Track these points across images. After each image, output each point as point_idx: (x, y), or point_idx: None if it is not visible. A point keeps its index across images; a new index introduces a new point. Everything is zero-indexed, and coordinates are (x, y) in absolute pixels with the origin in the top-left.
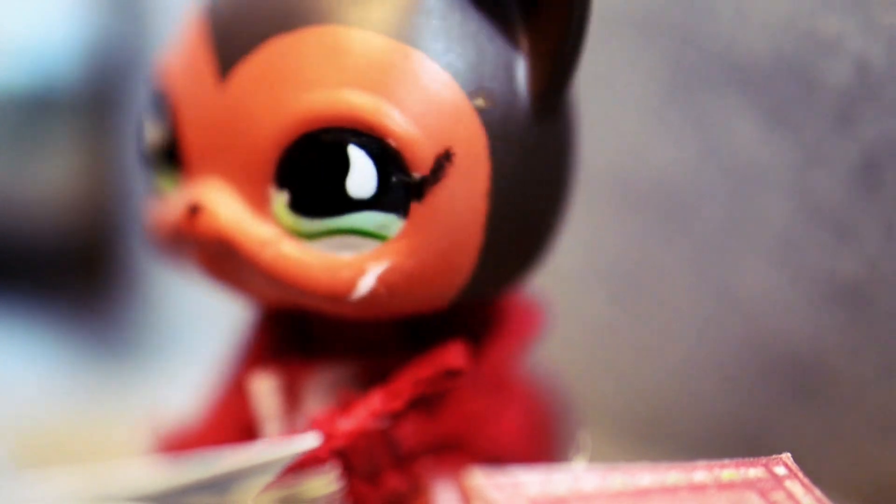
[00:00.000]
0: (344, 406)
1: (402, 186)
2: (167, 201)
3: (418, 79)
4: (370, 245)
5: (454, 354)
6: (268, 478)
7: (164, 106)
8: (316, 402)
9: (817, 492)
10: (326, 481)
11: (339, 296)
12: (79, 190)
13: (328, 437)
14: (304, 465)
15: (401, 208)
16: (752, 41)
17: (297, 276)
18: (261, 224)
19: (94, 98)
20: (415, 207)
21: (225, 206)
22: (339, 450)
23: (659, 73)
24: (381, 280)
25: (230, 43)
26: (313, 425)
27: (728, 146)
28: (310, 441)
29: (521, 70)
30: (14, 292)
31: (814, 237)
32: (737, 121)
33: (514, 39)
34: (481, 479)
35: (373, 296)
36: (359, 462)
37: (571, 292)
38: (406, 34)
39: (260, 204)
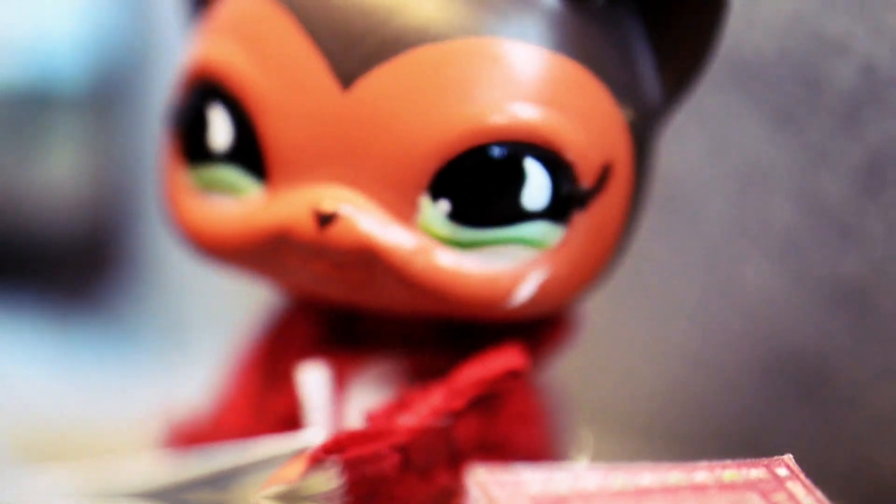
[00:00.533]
0: (401, 402)
1: (570, 197)
2: (240, 203)
3: (583, 91)
4: (529, 253)
5: (516, 356)
6: (269, 473)
7: (231, 103)
8: (363, 395)
9: (819, 493)
10: (327, 477)
11: (497, 304)
12: (83, 186)
13: (389, 432)
14: (363, 459)
15: (565, 218)
16: (758, 41)
17: (453, 285)
18: (405, 232)
19: (98, 94)
20: (576, 217)
21: (365, 214)
22: (400, 445)
23: None
24: (541, 287)
25: (351, 50)
26: (369, 420)
27: (733, 146)
28: (312, 437)
29: (651, 81)
30: (18, 288)
31: (818, 238)
32: (742, 121)
33: (644, 50)
34: (483, 476)
35: (529, 302)
36: (417, 458)
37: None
38: (565, 46)
39: (403, 212)
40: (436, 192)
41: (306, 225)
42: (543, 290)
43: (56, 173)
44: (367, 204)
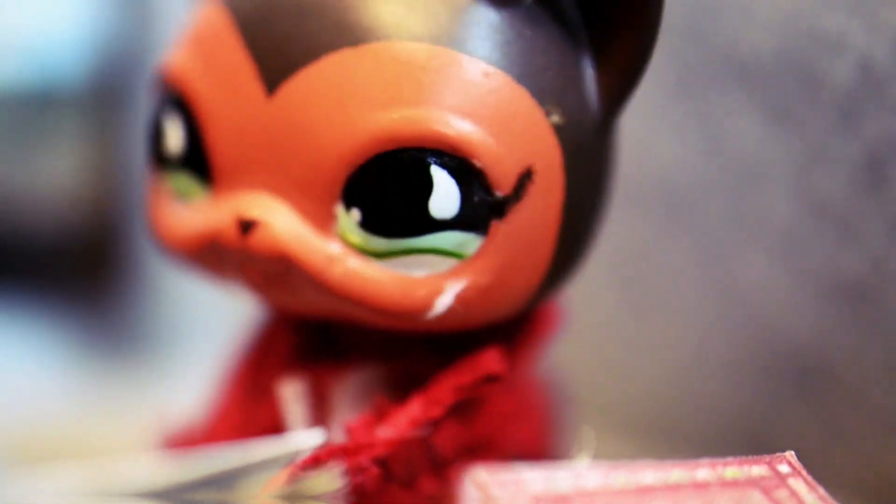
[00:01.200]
0: (379, 413)
1: (484, 206)
2: (192, 209)
3: (499, 96)
4: (446, 263)
5: (492, 360)
6: (271, 474)
7: (184, 110)
8: (345, 407)
9: (821, 490)
10: (330, 478)
11: (415, 314)
12: (84, 187)
13: (368, 445)
14: (346, 473)
15: (481, 227)
16: (756, 39)
17: (370, 295)
18: (323, 241)
19: (99, 95)
20: (495, 225)
21: (283, 222)
22: (380, 458)
23: (663, 70)
24: (459, 298)
25: (277, 54)
26: (349, 432)
27: (732, 144)
28: (313, 438)
29: (589, 83)
30: (19, 289)
31: (817, 235)
32: (741, 118)
33: (581, 53)
34: (484, 476)
35: (448, 313)
36: (398, 470)
37: (575, 289)
38: (482, 51)
39: (321, 221)
40: (348, 200)
41: (230, 232)
42: (464, 301)
43: (56, 174)
44: (288, 212)
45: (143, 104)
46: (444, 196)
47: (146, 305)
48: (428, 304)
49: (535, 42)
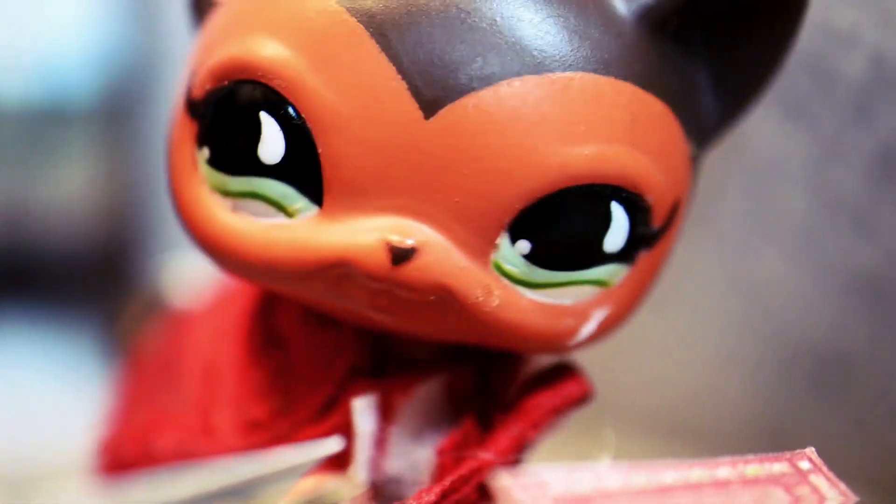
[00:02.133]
0: (465, 433)
1: (642, 238)
2: (288, 224)
3: (665, 130)
4: (593, 291)
5: (581, 380)
6: (292, 482)
7: (288, 117)
8: (410, 420)
9: (842, 486)
10: (352, 485)
11: (560, 342)
12: (96, 202)
13: (477, 470)
14: (449, 498)
15: (634, 258)
16: None
17: (521, 325)
18: (480, 271)
19: (109, 109)
20: (641, 255)
21: (443, 252)
22: (483, 483)
23: None
24: (600, 325)
25: (437, 73)
26: (441, 454)
27: (746, 141)
28: (332, 446)
29: (711, 111)
30: (31, 302)
31: (833, 230)
32: (754, 115)
33: (703, 79)
34: (507, 479)
35: (586, 339)
36: (493, 494)
37: None
38: (651, 82)
39: (478, 250)
40: (516, 231)
41: (377, 259)
42: (603, 328)
43: (68, 188)
44: (443, 240)
45: (154, 119)
46: (618, 231)
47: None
48: (574, 332)
49: (679, 72)
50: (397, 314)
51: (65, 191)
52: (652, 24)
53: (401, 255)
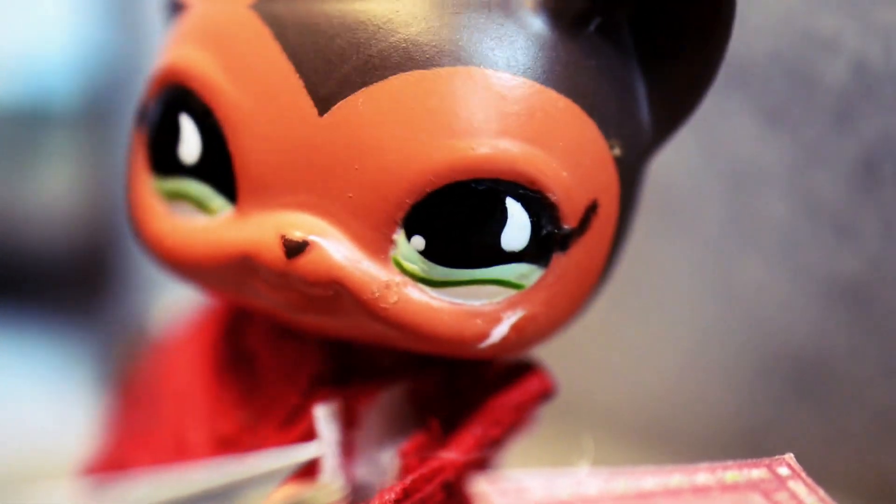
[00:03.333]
0: (431, 435)
1: (551, 239)
2: (208, 222)
3: (573, 129)
4: (504, 294)
5: (544, 379)
6: (273, 487)
7: (201, 114)
8: (374, 426)
9: (821, 492)
10: (332, 490)
11: (470, 344)
12: (77, 203)
13: (440, 469)
14: (419, 502)
15: (545, 259)
16: (750, 41)
17: (425, 325)
18: (378, 267)
19: (91, 111)
20: (556, 258)
21: (336, 246)
22: (448, 482)
23: None
24: (514, 327)
25: (330, 70)
26: (404, 455)
27: (727, 146)
28: (312, 451)
29: (642, 114)
30: (12, 305)
31: (813, 236)
32: (735, 120)
33: (636, 83)
34: (485, 485)
35: (501, 342)
36: (459, 492)
37: None
38: (556, 80)
39: (376, 246)
40: (411, 227)
41: (273, 252)
42: (517, 331)
43: (50, 191)
44: (338, 235)
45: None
46: (517, 228)
47: (141, 322)
48: (484, 334)
49: (599, 72)
50: (312, 313)
51: (46, 193)
52: (564, 23)
53: (294, 249)
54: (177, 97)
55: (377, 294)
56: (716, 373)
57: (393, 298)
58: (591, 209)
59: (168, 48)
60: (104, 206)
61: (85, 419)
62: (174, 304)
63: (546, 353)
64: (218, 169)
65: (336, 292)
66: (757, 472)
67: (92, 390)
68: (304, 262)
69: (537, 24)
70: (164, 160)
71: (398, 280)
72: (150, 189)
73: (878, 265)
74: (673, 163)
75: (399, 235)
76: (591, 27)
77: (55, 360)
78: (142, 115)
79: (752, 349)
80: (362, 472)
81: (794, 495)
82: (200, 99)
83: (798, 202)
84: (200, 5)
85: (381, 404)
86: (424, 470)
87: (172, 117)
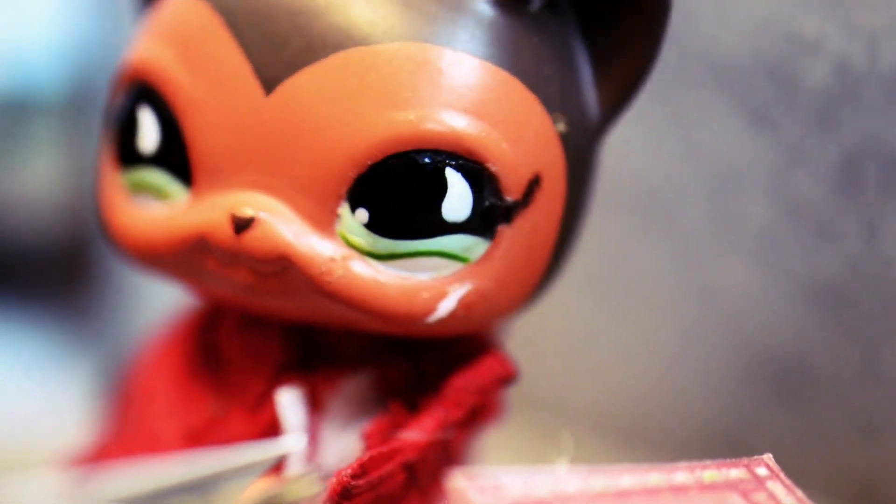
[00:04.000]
0: (394, 418)
1: (494, 210)
2: (165, 208)
3: (513, 103)
4: (451, 267)
5: (504, 363)
6: (251, 480)
7: (158, 105)
8: (339, 412)
9: (799, 492)
10: (309, 482)
11: (417, 318)
12: (60, 193)
13: (399, 450)
14: (380, 479)
15: (489, 232)
16: (732, 42)
17: (372, 298)
18: (324, 241)
19: (75, 101)
20: (501, 230)
21: (282, 221)
22: (409, 463)
23: None
24: (461, 302)
25: (275, 52)
26: (366, 438)
27: (708, 146)
28: (292, 443)
29: (589, 92)
30: None
31: (795, 237)
32: (717, 121)
33: (581, 61)
34: (463, 481)
35: (449, 317)
36: (422, 473)
37: (552, 293)
38: (496, 57)
39: (322, 221)
40: (354, 200)
41: (223, 230)
42: (466, 306)
43: (34, 180)
44: (286, 211)
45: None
46: (458, 199)
47: (124, 312)
48: (431, 308)
49: (543, 50)
50: (267, 294)
51: (30, 183)
52: (506, 2)
53: (241, 225)
54: (137, 92)
55: (323, 268)
56: (696, 372)
57: (339, 272)
58: (535, 182)
59: (131, 46)
60: (87, 196)
61: (68, 410)
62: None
63: (526, 350)
64: (175, 156)
65: (283, 268)
66: (735, 472)
67: (75, 381)
68: (250, 237)
69: (480, 2)
70: (126, 153)
71: (343, 254)
72: (116, 184)
73: (859, 267)
74: (653, 163)
75: (343, 209)
76: (535, 5)
77: (38, 350)
78: (108, 113)
79: (732, 349)
80: (328, 457)
81: (772, 496)
82: (157, 91)
83: (780, 203)
84: (163, 2)
85: (345, 390)
86: (383, 448)
87: (133, 111)
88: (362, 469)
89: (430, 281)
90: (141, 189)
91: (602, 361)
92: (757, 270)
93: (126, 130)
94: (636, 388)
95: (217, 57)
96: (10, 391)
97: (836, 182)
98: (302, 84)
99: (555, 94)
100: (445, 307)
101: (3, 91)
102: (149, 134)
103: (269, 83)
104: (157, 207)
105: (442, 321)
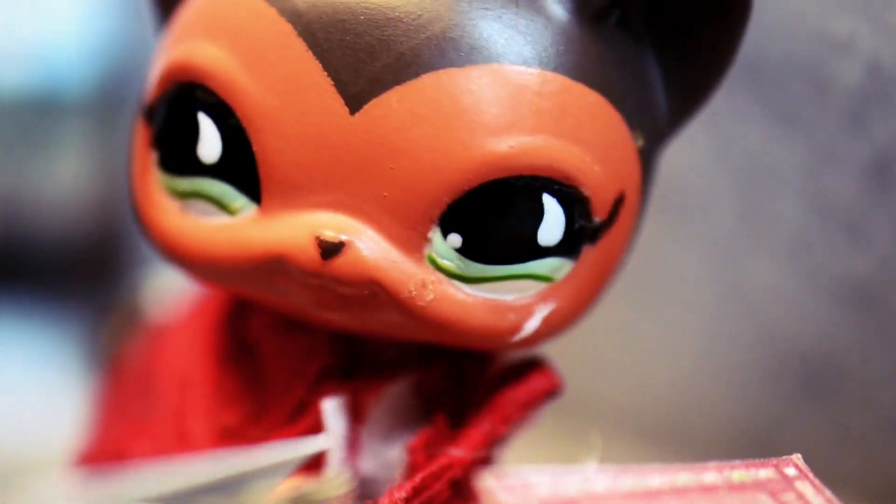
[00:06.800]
0: (437, 431)
1: (583, 232)
2: (231, 221)
3: (602, 122)
4: (537, 287)
5: (551, 376)
6: (279, 479)
7: (220, 112)
8: (380, 419)
9: (828, 492)
10: (339, 482)
11: (504, 338)
12: (89, 192)
13: (448, 466)
14: (431, 498)
15: (576, 252)
16: (764, 41)
17: (461, 321)
18: (413, 266)
19: (103, 100)
20: (586, 250)
21: (372, 246)
22: (456, 479)
23: None
24: (545, 320)
25: (360, 69)
26: (411, 452)
27: (740, 147)
28: (320, 443)
29: (659, 103)
30: (25, 295)
31: (825, 237)
32: (749, 121)
33: (652, 74)
34: (492, 481)
35: (532, 335)
36: (466, 489)
37: None
38: (584, 73)
39: (410, 244)
40: (447, 225)
41: (308, 253)
42: (547, 323)
43: (62, 179)
44: (374, 234)
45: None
46: (553, 224)
47: (132, 303)
48: (517, 328)
49: (621, 64)
50: (341, 311)
51: (58, 181)
52: (587, 16)
53: (330, 250)
54: (190, 94)
55: (414, 293)
56: (725, 372)
57: (429, 296)
58: (619, 201)
59: (174, 41)
60: (115, 195)
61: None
62: (168, 286)
63: (556, 351)
64: (240, 168)
65: (371, 291)
66: (764, 472)
67: (98, 381)
68: (339, 262)
69: (564, 18)
70: (178, 159)
71: (433, 278)
72: (159, 186)
73: (889, 267)
74: (686, 163)
75: (435, 233)
76: (612, 19)
77: (64, 349)
78: (148, 111)
79: (761, 349)
80: (368, 466)
81: (801, 496)
82: (219, 97)
83: (810, 203)
84: None
85: (387, 398)
86: (433, 468)
87: (187, 115)
88: (415, 491)
89: (516, 301)
90: (194, 197)
91: (632, 361)
92: (787, 270)
93: (177, 135)
94: (665, 387)
95: (291, 68)
96: (36, 389)
97: (866, 182)
98: (392, 104)
99: (634, 109)
100: (531, 326)
101: (32, 89)
102: (209, 142)
103: (354, 100)
104: (216, 218)
105: (524, 338)
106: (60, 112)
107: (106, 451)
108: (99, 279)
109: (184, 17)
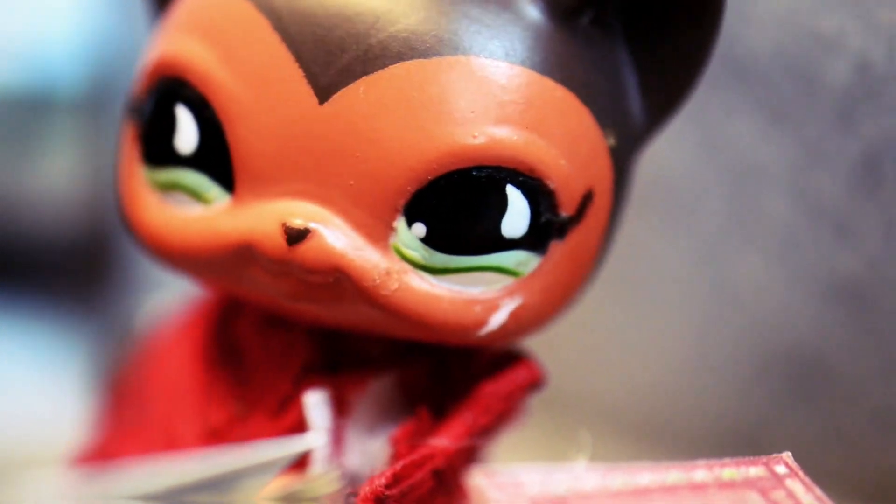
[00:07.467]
0: (420, 423)
1: (549, 226)
2: (204, 211)
3: (570, 118)
4: (503, 281)
5: (533, 368)
6: (270, 477)
7: (196, 104)
8: (364, 414)
9: (818, 490)
10: (329, 479)
11: (469, 332)
12: (80, 190)
13: (430, 457)
14: (412, 487)
15: (543, 247)
16: (753, 39)
17: (425, 312)
18: (378, 254)
19: (95, 98)
20: (553, 245)
21: (337, 233)
22: (439, 469)
23: None
24: (512, 315)
25: (330, 59)
26: (395, 443)
27: (728, 144)
28: (311, 441)
29: (634, 104)
30: (14, 292)
31: (814, 235)
32: (737, 119)
33: (627, 73)
34: (482, 478)
35: (499, 329)
36: (449, 480)
37: None
38: (552, 68)
39: (376, 234)
40: (412, 214)
41: (274, 240)
42: (515, 319)
43: (53, 177)
44: (338, 222)
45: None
46: (517, 216)
47: (131, 317)
48: (483, 322)
49: (593, 63)
50: (313, 302)
51: (49, 180)
52: (559, 14)
53: (295, 236)
54: (172, 89)
55: (378, 281)
56: (714, 370)
57: (393, 285)
58: (588, 197)
59: (160, 39)
60: (106, 193)
61: (82, 408)
62: (163, 301)
63: (544, 348)
64: (215, 159)
65: (337, 279)
66: (754, 470)
67: (89, 380)
68: (304, 249)
69: (534, 15)
70: (157, 151)
71: (398, 267)
72: (141, 180)
73: (878, 265)
74: (674, 160)
75: (399, 223)
76: (586, 19)
77: (54, 348)
78: (134, 108)
79: (750, 347)
80: (353, 460)
81: (791, 494)
82: (197, 90)
83: (798, 201)
84: None
85: (370, 393)
86: (415, 456)
87: (167, 108)
88: (395, 479)
89: (482, 295)
90: (173, 188)
91: (621, 359)
92: (776, 268)
93: (158, 128)
94: (655, 385)
95: (265, 61)
96: (28, 388)
97: (856, 180)
98: (360, 94)
99: (606, 107)
100: (497, 320)
101: (23, 87)
102: (186, 134)
103: (324, 91)
104: (193, 209)
105: (490, 333)
106: (51, 110)
107: (96, 456)
108: (89, 277)
109: (172, 14)
